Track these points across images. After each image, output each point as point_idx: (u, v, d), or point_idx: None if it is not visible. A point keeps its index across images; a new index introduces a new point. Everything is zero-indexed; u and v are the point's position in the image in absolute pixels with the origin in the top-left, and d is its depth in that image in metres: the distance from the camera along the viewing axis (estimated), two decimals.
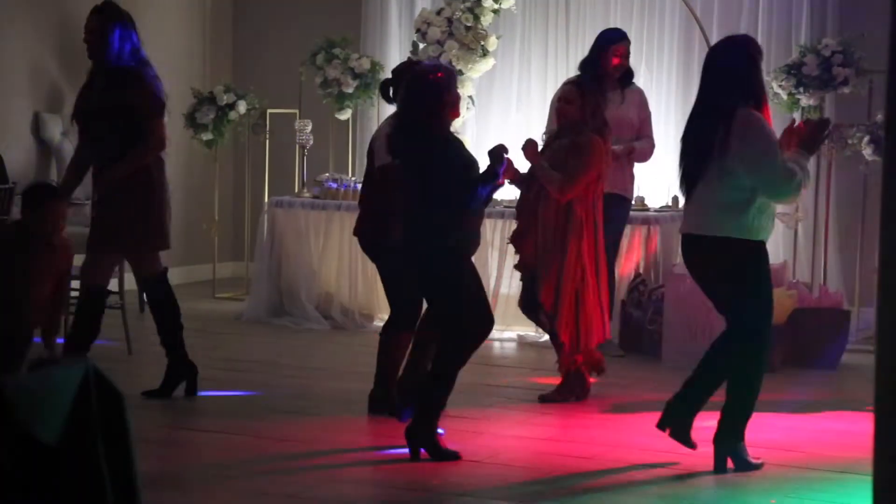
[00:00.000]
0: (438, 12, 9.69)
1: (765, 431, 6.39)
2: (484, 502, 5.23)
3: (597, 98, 6.97)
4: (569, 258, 6.75)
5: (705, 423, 5.76)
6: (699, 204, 5.63)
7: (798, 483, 5.56)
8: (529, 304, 7.05)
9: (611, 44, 8.05)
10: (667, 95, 9.93)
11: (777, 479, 5.63)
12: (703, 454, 5.86)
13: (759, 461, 5.69)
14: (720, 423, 5.69)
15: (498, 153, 5.85)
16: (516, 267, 7.08)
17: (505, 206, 9.06)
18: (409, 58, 8.78)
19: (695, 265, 5.77)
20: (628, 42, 8.14)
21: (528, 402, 7.02)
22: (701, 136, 5.59)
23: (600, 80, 8.04)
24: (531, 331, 8.75)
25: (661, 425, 5.78)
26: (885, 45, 2.70)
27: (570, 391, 6.99)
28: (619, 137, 7.99)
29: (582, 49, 10.02)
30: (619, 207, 7.92)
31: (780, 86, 8.80)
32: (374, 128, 10.42)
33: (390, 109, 10.48)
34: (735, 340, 5.72)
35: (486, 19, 9.63)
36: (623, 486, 5.54)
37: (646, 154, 8.19)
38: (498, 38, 9.75)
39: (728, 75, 5.59)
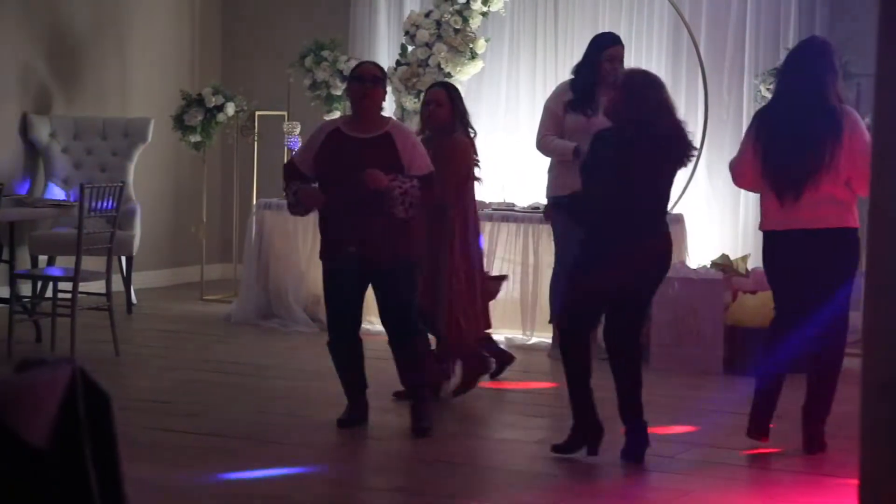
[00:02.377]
0: (427, 15, 9.70)
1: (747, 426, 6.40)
2: None
3: (462, 100, 7.15)
4: (441, 261, 6.79)
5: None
6: (815, 201, 5.86)
7: (785, 487, 5.57)
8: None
9: (602, 48, 8.03)
10: None
11: (765, 482, 5.64)
12: (684, 465, 5.86)
13: None
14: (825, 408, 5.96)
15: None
16: None
17: (493, 209, 9.07)
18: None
19: (812, 258, 5.91)
20: (621, 46, 8.10)
21: (515, 404, 7.02)
22: (814, 134, 5.84)
23: (593, 86, 8.03)
24: (519, 333, 8.76)
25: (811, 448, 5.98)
26: (873, 49, 2.71)
27: (475, 376, 7.03)
28: None
29: (570, 51, 10.04)
30: None
31: (767, 89, 8.81)
32: None
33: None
34: (841, 328, 5.99)
35: (475, 22, 9.64)
36: (617, 486, 5.54)
37: None
38: (487, 40, 9.76)
39: (830, 74, 5.89)
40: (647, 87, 5.73)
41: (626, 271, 5.72)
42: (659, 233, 5.80)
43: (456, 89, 7.27)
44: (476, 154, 7.07)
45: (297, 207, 6.32)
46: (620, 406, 5.85)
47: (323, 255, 6.34)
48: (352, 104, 6.39)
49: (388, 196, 6.05)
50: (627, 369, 5.84)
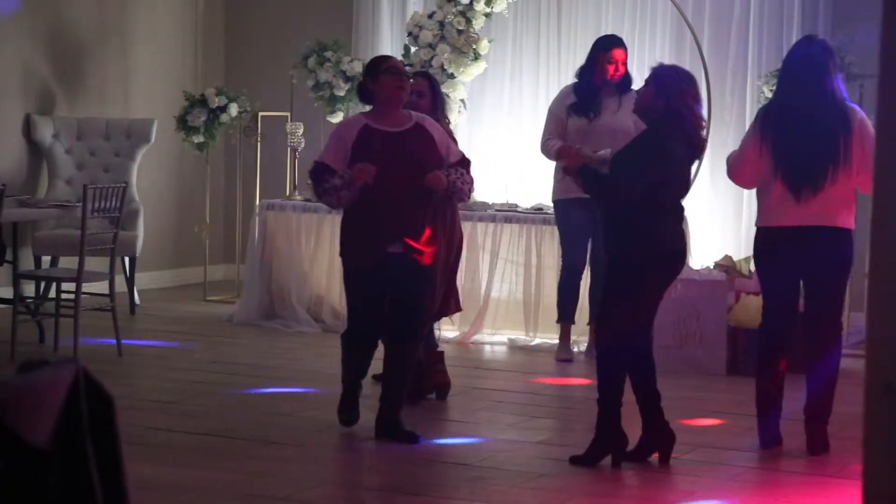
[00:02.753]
0: (430, 16, 9.69)
1: (755, 435, 6.40)
2: None
3: (440, 90, 7.23)
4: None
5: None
6: (828, 198, 5.88)
7: (788, 488, 5.56)
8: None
9: (604, 51, 8.04)
10: None
11: (767, 483, 5.63)
12: (687, 466, 5.86)
13: None
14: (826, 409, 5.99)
15: None
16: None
17: (496, 210, 9.07)
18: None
19: (817, 256, 5.91)
20: (623, 47, 8.12)
21: (518, 405, 7.01)
22: (827, 129, 5.88)
23: (596, 89, 8.03)
24: (521, 334, 8.76)
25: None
26: (876, 50, 2.71)
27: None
28: (614, 145, 7.94)
29: (573, 52, 10.04)
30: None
31: (770, 90, 8.80)
32: None
33: None
34: (839, 328, 6.08)
35: (478, 23, 9.64)
36: (620, 486, 5.54)
37: None
38: (490, 41, 9.76)
39: (834, 71, 5.93)
40: (678, 82, 5.70)
41: (673, 269, 5.76)
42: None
43: (436, 79, 7.34)
44: (455, 143, 7.03)
45: (343, 192, 5.97)
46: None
47: (355, 254, 6.10)
48: (384, 97, 6.10)
49: (453, 190, 6.08)
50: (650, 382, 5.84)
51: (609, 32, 9.21)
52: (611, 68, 8.01)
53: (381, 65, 6.21)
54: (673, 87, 5.66)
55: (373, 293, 6.09)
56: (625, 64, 8.10)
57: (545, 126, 8.22)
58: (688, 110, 5.64)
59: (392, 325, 6.18)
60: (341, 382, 6.34)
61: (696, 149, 5.82)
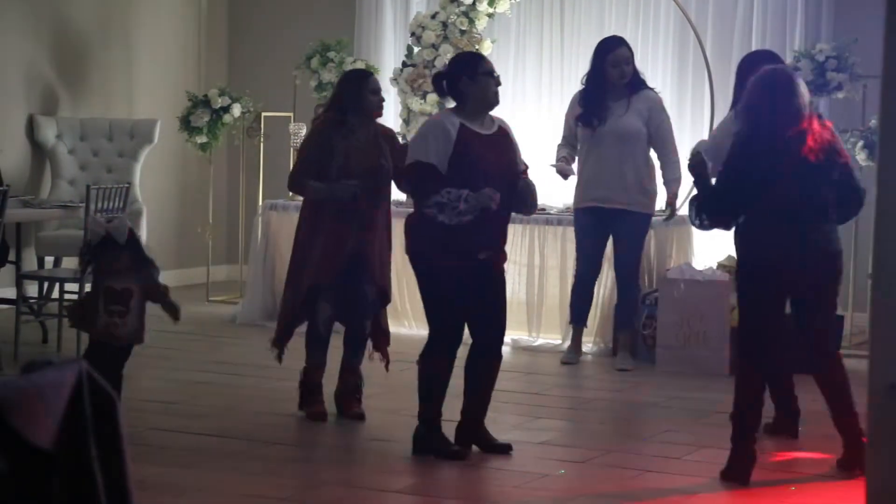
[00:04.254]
0: (433, 16, 9.69)
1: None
2: None
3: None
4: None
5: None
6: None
7: (799, 485, 5.56)
8: None
9: (607, 52, 7.99)
10: None
11: (768, 484, 5.63)
12: (690, 466, 5.85)
13: None
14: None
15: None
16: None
17: None
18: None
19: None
20: (626, 47, 8.06)
21: (521, 405, 7.01)
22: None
23: (602, 95, 7.99)
24: (525, 335, 8.75)
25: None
26: (880, 50, 2.71)
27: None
28: (622, 150, 7.92)
29: (576, 53, 10.03)
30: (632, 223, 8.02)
31: None
32: None
33: (385, 113, 10.51)
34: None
35: (481, 23, 9.64)
36: (622, 487, 5.54)
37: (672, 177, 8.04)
38: (492, 42, 9.76)
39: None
40: (786, 87, 5.57)
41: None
42: None
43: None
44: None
45: (466, 216, 5.65)
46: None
47: (447, 263, 5.75)
48: (482, 99, 5.91)
49: (534, 201, 5.97)
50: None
51: (612, 33, 9.21)
52: (616, 72, 7.95)
53: (480, 65, 6.00)
54: (777, 92, 5.59)
55: (461, 305, 5.84)
56: (630, 63, 8.04)
57: (565, 126, 8.23)
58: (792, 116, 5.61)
59: (483, 337, 5.94)
60: (423, 417, 5.91)
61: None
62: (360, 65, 9.87)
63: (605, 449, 6.06)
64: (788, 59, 8.94)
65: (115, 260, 5.91)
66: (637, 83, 8.02)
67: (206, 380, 7.45)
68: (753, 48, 9.54)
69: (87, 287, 7.96)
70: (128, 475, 2.39)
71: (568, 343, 8.31)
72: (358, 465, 5.90)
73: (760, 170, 5.48)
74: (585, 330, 8.28)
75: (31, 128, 9.88)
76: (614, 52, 7.97)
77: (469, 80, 5.90)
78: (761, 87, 5.59)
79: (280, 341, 6.65)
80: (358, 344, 6.62)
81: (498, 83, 5.98)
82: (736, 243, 5.74)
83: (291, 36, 10.88)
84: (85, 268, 6.00)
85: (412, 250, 5.88)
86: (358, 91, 6.52)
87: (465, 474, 5.64)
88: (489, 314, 5.88)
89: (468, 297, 5.78)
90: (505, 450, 5.91)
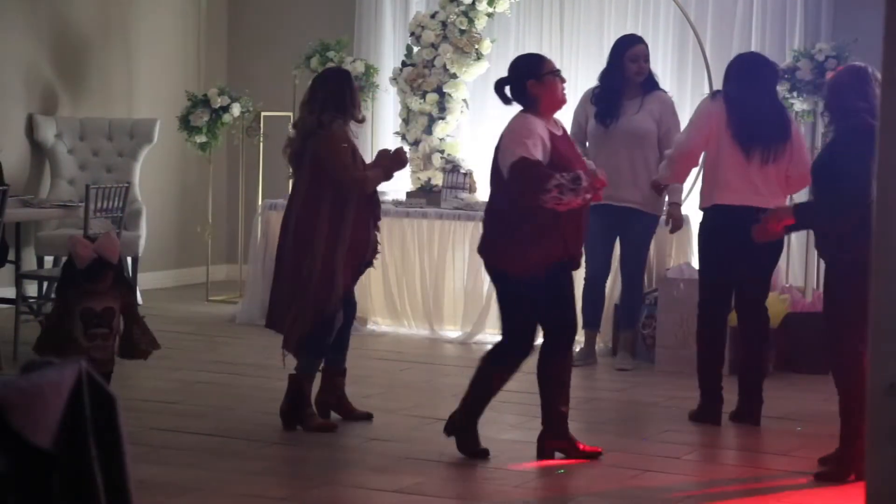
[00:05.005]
0: (433, 16, 9.69)
1: (756, 436, 6.40)
2: None
3: None
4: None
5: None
6: (771, 175, 6.53)
7: (798, 485, 5.56)
8: None
9: (626, 49, 7.98)
10: None
11: (768, 484, 5.63)
12: (690, 466, 5.85)
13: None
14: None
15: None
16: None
17: None
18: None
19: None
20: (644, 45, 8.06)
21: (520, 404, 7.01)
22: (777, 113, 6.61)
23: (618, 92, 7.97)
24: None
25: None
26: (879, 50, 2.71)
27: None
28: (634, 149, 7.91)
29: (576, 52, 10.04)
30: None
31: None
32: (369, 130, 10.45)
33: (385, 112, 10.54)
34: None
35: (481, 23, 9.64)
36: (622, 487, 5.54)
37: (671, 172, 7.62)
38: (492, 41, 9.76)
39: (775, 82, 6.84)
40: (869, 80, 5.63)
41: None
42: None
43: None
44: None
45: (589, 192, 5.70)
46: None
47: (535, 264, 5.72)
48: (551, 99, 5.89)
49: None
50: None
51: (612, 33, 9.21)
52: (634, 67, 7.94)
53: (544, 66, 5.95)
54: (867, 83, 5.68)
55: (542, 305, 5.85)
56: (647, 61, 8.03)
57: (572, 125, 8.21)
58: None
59: (560, 336, 5.96)
60: (471, 411, 5.96)
61: None
62: (359, 65, 9.87)
63: (606, 448, 6.06)
64: (788, 59, 8.95)
65: (100, 279, 5.52)
66: (651, 83, 8.02)
67: (205, 380, 7.45)
68: (753, 48, 9.54)
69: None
70: (128, 475, 2.38)
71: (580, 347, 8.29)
72: (358, 465, 5.91)
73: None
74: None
75: (30, 127, 9.89)
76: (634, 47, 7.97)
77: (536, 82, 5.87)
78: (859, 82, 5.64)
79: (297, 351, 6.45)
80: (347, 346, 6.58)
81: (563, 81, 5.97)
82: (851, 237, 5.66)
83: (291, 35, 10.88)
84: (67, 294, 5.50)
85: (516, 261, 5.72)
86: (352, 90, 6.47)
87: (465, 474, 5.64)
88: (567, 311, 5.92)
89: (546, 300, 5.81)
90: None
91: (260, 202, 9.95)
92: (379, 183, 6.47)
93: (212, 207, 10.53)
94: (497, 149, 5.89)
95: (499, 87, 6.00)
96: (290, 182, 6.65)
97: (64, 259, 6.71)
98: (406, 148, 9.88)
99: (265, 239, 9.42)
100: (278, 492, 5.31)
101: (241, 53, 11.48)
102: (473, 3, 9.56)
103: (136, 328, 5.62)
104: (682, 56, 9.84)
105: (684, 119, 8.59)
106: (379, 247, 6.55)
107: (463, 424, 5.90)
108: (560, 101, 5.92)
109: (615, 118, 7.93)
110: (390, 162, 6.47)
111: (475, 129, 10.25)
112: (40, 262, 9.46)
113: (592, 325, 8.21)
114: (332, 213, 6.30)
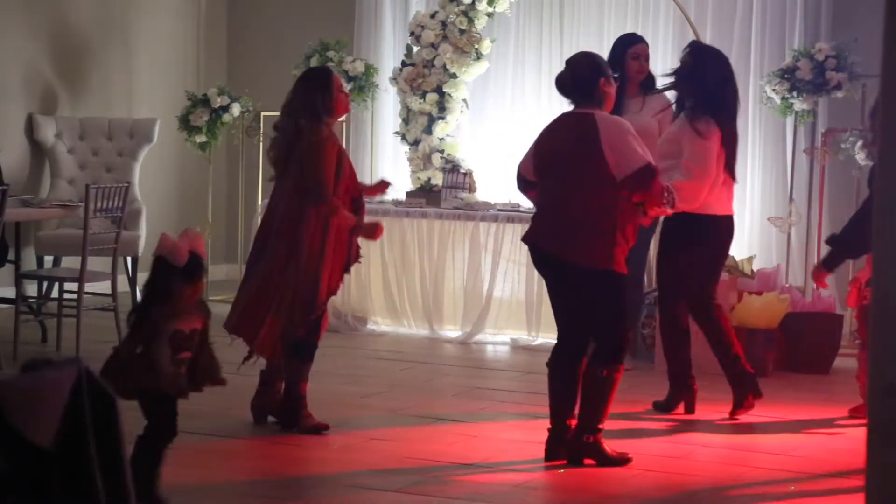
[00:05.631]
0: (433, 15, 9.69)
1: (756, 435, 6.41)
2: None
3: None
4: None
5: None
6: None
7: (789, 489, 5.56)
8: None
9: (629, 45, 7.97)
10: None
11: (768, 484, 5.64)
12: (690, 466, 5.85)
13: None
14: None
15: None
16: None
17: (499, 210, 9.07)
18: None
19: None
20: (646, 44, 8.06)
21: (521, 405, 7.02)
22: None
23: (622, 86, 7.96)
24: (524, 334, 8.76)
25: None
26: (879, 49, 2.71)
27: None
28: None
29: (575, 52, 10.02)
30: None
31: (773, 90, 8.81)
32: (369, 130, 10.46)
33: (385, 112, 10.54)
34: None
35: (480, 23, 9.64)
36: (622, 487, 5.54)
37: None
38: (492, 41, 9.76)
39: None
40: None
41: None
42: None
43: None
44: None
45: (669, 207, 5.94)
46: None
47: (622, 267, 5.74)
48: (614, 97, 6.00)
49: None
50: None
51: (612, 33, 9.21)
52: (636, 65, 7.94)
53: (608, 67, 6.01)
54: None
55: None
56: (648, 60, 8.04)
57: None
58: None
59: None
60: (600, 427, 5.82)
61: None
62: (359, 64, 9.87)
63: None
64: (788, 59, 8.95)
65: (199, 278, 4.89)
66: (650, 84, 8.01)
67: None
68: (753, 48, 9.56)
69: (87, 286, 7.96)
70: (127, 475, 2.38)
71: None
72: (357, 464, 5.90)
73: None
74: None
75: (30, 127, 9.88)
76: (635, 45, 7.97)
77: (607, 81, 5.88)
78: None
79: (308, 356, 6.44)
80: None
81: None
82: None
83: (291, 35, 10.88)
84: (153, 314, 4.73)
85: (614, 260, 5.68)
86: (326, 91, 6.34)
87: (464, 474, 5.64)
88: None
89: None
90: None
91: (260, 202, 9.95)
92: (345, 225, 6.26)
93: (211, 207, 10.53)
94: (595, 143, 5.72)
95: (578, 83, 5.91)
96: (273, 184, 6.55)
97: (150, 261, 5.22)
98: (406, 148, 9.89)
99: None
100: (278, 492, 5.31)
101: (241, 53, 11.48)
102: (473, 2, 9.56)
103: (206, 352, 4.95)
104: None
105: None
106: (360, 250, 6.51)
107: (596, 441, 5.76)
108: (614, 101, 6.01)
109: (620, 115, 7.91)
110: (367, 228, 6.34)
111: (475, 128, 10.26)
112: (40, 262, 9.45)
113: None
114: (318, 218, 6.23)
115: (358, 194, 6.38)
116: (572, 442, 5.75)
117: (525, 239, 5.98)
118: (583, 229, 5.68)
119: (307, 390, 6.37)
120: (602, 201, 5.66)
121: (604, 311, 5.73)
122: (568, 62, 6.03)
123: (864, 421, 6.18)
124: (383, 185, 6.66)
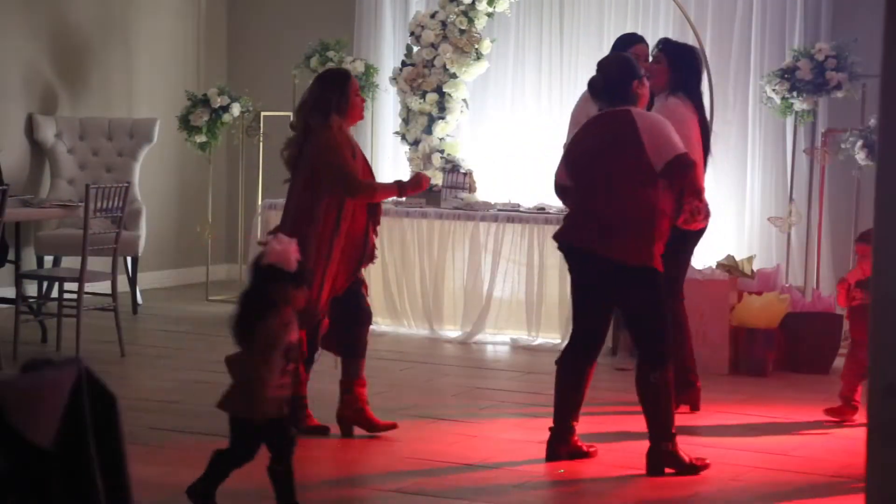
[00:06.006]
0: (432, 15, 9.69)
1: (756, 436, 6.40)
2: None
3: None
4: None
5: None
6: None
7: (789, 489, 5.56)
8: None
9: (628, 46, 7.94)
10: None
11: (767, 484, 5.63)
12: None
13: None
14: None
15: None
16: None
17: (499, 210, 9.06)
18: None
19: None
20: (646, 44, 8.04)
21: (521, 405, 7.02)
22: None
23: None
24: (524, 334, 8.75)
25: None
26: (879, 49, 2.71)
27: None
28: None
29: (575, 52, 10.03)
30: None
31: (773, 90, 8.80)
32: (369, 130, 10.45)
33: (385, 112, 10.53)
34: None
35: (480, 22, 9.64)
36: (621, 487, 5.54)
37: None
38: (492, 41, 9.75)
39: None
40: None
41: None
42: None
43: None
44: None
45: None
46: None
47: (660, 265, 5.73)
48: (646, 100, 6.03)
49: None
50: None
51: (612, 33, 9.20)
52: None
53: (639, 68, 6.00)
54: None
55: None
56: (647, 60, 8.01)
57: (568, 130, 8.15)
58: None
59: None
60: (671, 436, 5.74)
61: None
62: (359, 64, 9.87)
63: (606, 448, 6.06)
64: (788, 59, 8.95)
65: (306, 284, 4.80)
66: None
67: (206, 379, 7.43)
68: (753, 48, 9.56)
69: (87, 286, 7.97)
70: (127, 474, 2.38)
71: (559, 341, 8.30)
72: (358, 464, 5.90)
73: None
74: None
75: (30, 127, 9.88)
76: (635, 45, 7.94)
77: (640, 83, 5.86)
78: None
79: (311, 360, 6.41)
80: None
81: None
82: None
83: (291, 35, 10.88)
84: (271, 327, 4.56)
85: (653, 257, 5.65)
86: (341, 92, 6.31)
87: (464, 474, 5.64)
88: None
89: None
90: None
91: (260, 202, 9.95)
92: (388, 196, 6.40)
93: (211, 207, 10.53)
94: (634, 134, 5.67)
95: (615, 84, 5.83)
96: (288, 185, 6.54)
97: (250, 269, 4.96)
98: (406, 148, 9.89)
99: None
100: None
101: (241, 53, 11.48)
102: (473, 2, 9.56)
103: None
104: None
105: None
106: (376, 251, 6.50)
107: (674, 448, 5.70)
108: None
109: None
110: (412, 183, 6.36)
111: (475, 128, 10.25)
112: (40, 262, 9.45)
113: None
114: (327, 218, 6.21)
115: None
116: (650, 452, 5.66)
117: (558, 237, 5.89)
118: (623, 225, 5.62)
119: (307, 391, 6.37)
120: (643, 196, 5.62)
121: (646, 310, 5.69)
122: (599, 65, 5.95)
123: (836, 420, 6.18)
124: (424, 180, 6.51)
